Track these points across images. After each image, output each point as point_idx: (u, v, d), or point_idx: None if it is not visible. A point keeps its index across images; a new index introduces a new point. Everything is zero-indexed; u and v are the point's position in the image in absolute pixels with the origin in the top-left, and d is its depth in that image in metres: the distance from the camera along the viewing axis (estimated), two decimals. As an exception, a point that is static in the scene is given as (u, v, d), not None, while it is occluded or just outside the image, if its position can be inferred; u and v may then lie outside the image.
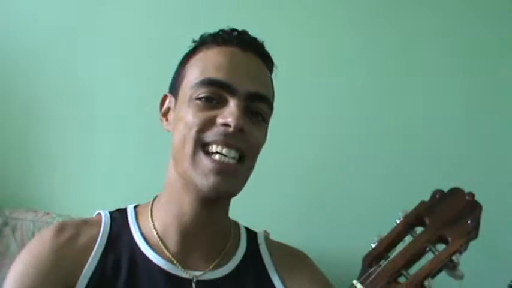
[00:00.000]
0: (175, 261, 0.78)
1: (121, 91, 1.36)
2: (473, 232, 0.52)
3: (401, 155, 1.27)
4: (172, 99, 0.82)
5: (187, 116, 0.75)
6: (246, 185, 0.78)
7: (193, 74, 0.78)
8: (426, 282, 0.52)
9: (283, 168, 1.27)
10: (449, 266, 0.52)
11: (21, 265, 0.75)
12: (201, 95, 0.75)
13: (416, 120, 1.28)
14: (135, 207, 0.87)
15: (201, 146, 0.73)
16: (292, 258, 0.88)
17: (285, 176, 1.28)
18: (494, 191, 1.21)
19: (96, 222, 0.82)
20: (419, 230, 0.55)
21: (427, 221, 0.54)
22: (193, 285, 0.77)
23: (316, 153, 1.29)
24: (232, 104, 0.74)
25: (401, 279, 0.54)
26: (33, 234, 1.23)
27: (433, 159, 1.26)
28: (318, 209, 1.27)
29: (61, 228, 0.79)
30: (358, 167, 1.28)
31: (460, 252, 0.52)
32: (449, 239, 0.52)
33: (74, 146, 1.38)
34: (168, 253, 0.79)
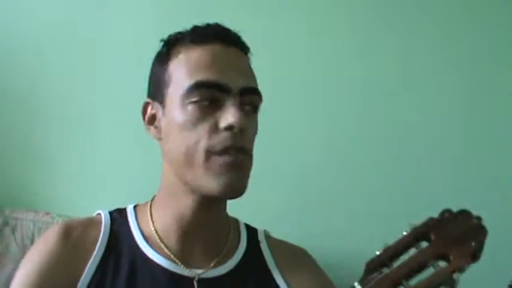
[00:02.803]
0: (176, 260, 0.79)
1: (122, 91, 1.36)
2: (475, 254, 0.54)
3: (400, 155, 1.28)
4: (158, 105, 0.80)
5: (187, 124, 0.75)
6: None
7: (181, 77, 0.77)
8: (423, 295, 0.54)
9: (282, 168, 1.27)
10: (448, 283, 0.54)
11: (26, 268, 0.76)
12: (195, 99, 0.74)
13: (415, 120, 1.29)
14: (135, 206, 0.88)
15: (212, 153, 0.74)
16: (293, 255, 0.90)
17: (284, 176, 1.28)
18: (494, 190, 1.23)
19: (97, 222, 0.83)
20: (424, 244, 0.57)
21: (432, 236, 0.56)
22: (195, 284, 0.78)
23: (314, 153, 1.30)
24: (230, 104, 0.74)
25: (400, 289, 0.56)
26: (33, 234, 1.23)
27: (432, 159, 1.27)
28: (317, 209, 1.28)
29: (66, 230, 0.80)
30: (356, 167, 1.29)
31: (461, 271, 0.54)
32: (451, 257, 0.54)
33: (74, 145, 1.38)
34: (168, 252, 0.80)
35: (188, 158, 0.74)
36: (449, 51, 1.30)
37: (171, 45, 0.81)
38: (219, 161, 0.73)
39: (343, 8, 1.34)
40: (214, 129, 0.74)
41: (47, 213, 1.27)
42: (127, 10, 1.40)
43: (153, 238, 0.81)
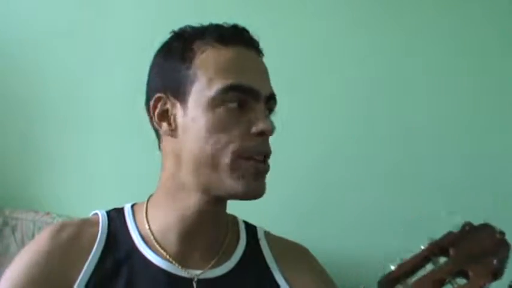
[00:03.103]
0: (173, 261, 0.78)
1: (121, 91, 1.36)
2: (497, 272, 0.50)
3: (404, 156, 1.27)
4: (175, 101, 0.77)
5: (216, 126, 0.74)
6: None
7: (209, 77, 0.75)
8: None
9: (283, 169, 1.28)
10: (467, 302, 0.51)
11: (18, 265, 0.75)
12: (226, 101, 0.74)
13: (419, 120, 1.28)
14: (133, 206, 0.87)
15: (240, 157, 0.74)
16: (293, 253, 0.89)
17: (285, 176, 1.26)
18: (496, 191, 1.21)
19: (95, 222, 0.82)
20: (442, 260, 0.54)
21: (451, 252, 0.53)
22: (195, 285, 0.77)
23: (316, 154, 1.29)
24: (259, 110, 0.76)
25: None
26: (33, 234, 1.23)
27: (437, 160, 1.26)
28: (318, 210, 1.27)
29: (60, 228, 0.79)
30: (359, 168, 1.27)
31: (480, 291, 0.50)
32: (471, 274, 0.51)
33: (74, 146, 1.38)
34: (165, 253, 0.79)
35: (214, 160, 0.74)
36: (455, 51, 1.29)
37: (190, 41, 0.78)
38: (246, 165, 0.74)
39: (347, 7, 1.33)
40: (246, 133, 0.74)
41: (47, 213, 1.27)
42: (125, 12, 1.40)
43: (151, 239, 0.80)
